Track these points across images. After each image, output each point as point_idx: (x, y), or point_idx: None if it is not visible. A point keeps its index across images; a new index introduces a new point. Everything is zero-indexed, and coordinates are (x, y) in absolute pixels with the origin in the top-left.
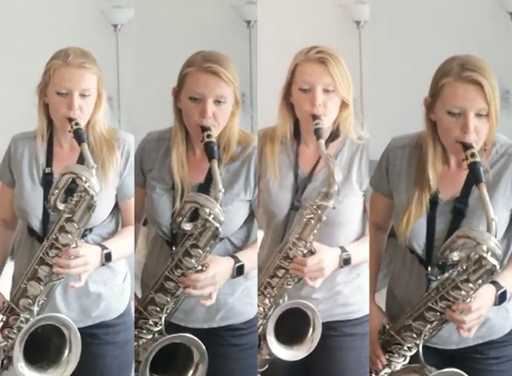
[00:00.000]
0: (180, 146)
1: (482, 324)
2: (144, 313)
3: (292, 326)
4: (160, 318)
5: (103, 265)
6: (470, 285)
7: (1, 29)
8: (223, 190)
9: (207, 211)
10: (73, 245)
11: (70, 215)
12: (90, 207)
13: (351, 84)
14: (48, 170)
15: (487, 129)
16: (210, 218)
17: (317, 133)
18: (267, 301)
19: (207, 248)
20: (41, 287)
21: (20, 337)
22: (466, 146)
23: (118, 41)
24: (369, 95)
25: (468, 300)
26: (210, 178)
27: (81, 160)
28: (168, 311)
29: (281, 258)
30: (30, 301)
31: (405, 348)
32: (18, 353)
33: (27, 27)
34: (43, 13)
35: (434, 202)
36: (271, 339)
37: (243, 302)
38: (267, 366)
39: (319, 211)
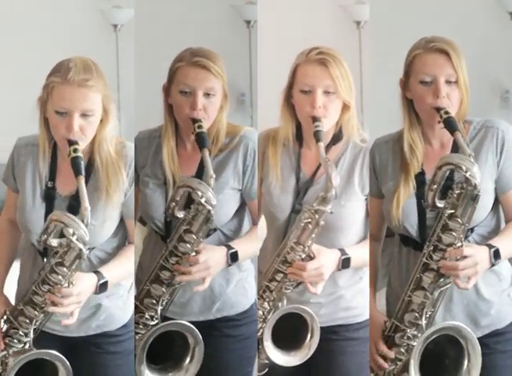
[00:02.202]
0: (170, 140)
1: (487, 312)
2: (140, 307)
3: (290, 331)
4: (156, 311)
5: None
6: (458, 219)
7: (1, 29)
8: (214, 176)
9: (200, 193)
10: (66, 284)
11: (59, 260)
12: (80, 258)
13: (353, 86)
14: (50, 184)
15: (457, 97)
16: (203, 201)
17: (316, 136)
18: (266, 304)
19: (200, 233)
20: (36, 313)
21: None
22: (440, 109)
23: (118, 41)
24: (369, 95)
25: (459, 244)
26: (201, 169)
27: (87, 177)
28: (164, 303)
29: (279, 263)
30: (28, 321)
31: (410, 334)
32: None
33: (27, 27)
34: (43, 13)
35: (421, 182)
36: (268, 344)
37: (238, 293)
38: (267, 369)
39: (317, 216)
